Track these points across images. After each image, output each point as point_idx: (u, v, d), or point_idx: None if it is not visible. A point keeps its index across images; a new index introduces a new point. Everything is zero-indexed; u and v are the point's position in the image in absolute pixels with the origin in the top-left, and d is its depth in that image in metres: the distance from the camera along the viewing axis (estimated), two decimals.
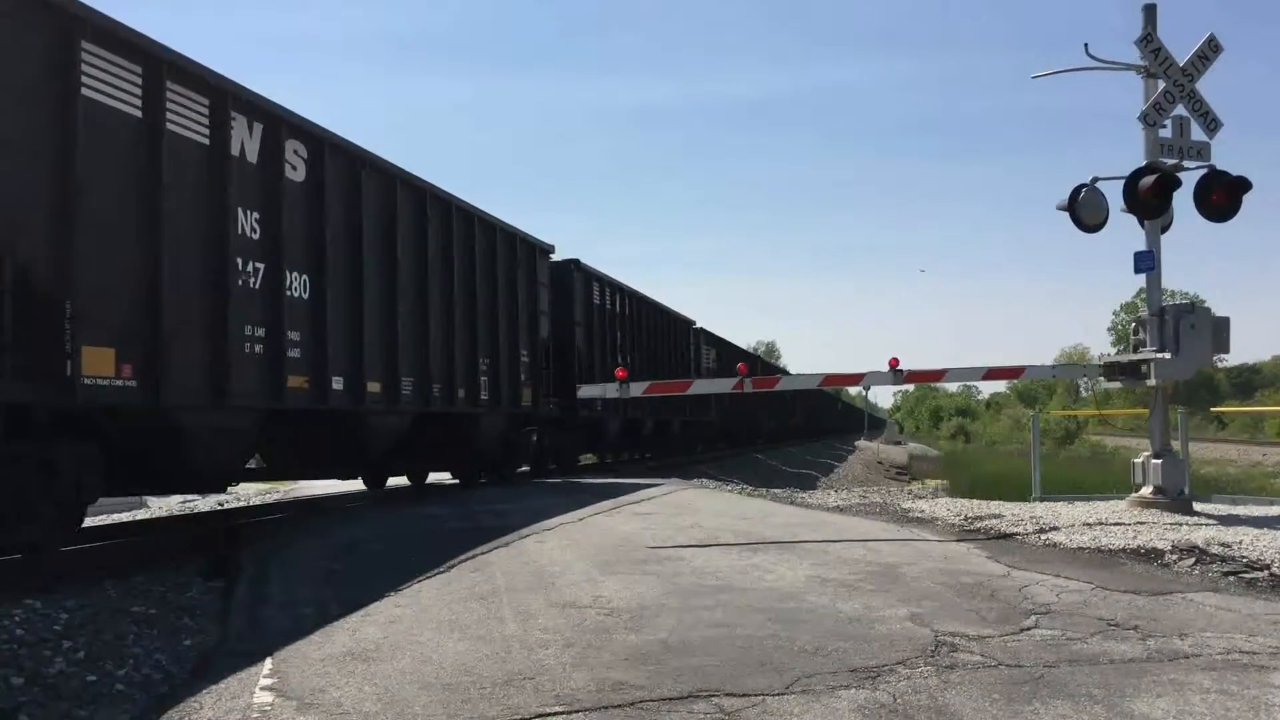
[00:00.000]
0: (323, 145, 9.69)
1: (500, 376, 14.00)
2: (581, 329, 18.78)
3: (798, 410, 49.54)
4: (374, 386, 10.53)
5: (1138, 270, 10.38)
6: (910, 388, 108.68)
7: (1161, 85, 10.29)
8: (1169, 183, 9.96)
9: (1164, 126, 10.32)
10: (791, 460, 37.91)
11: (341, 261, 10.06)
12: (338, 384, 9.85)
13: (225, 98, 8.20)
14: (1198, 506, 10.51)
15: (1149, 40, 10.27)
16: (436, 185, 12.27)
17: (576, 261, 18.71)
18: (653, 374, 22.16)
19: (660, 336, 24.88)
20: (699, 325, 29.40)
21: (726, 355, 32.38)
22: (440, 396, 12.13)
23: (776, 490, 15.63)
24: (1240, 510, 10.68)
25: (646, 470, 20.49)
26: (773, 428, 42.57)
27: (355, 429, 10.58)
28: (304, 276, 9.38)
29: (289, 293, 9.09)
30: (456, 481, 15.11)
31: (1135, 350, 10.54)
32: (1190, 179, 10.17)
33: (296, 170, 9.34)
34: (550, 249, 16.47)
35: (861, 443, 65.40)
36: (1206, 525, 9.04)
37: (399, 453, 11.88)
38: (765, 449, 38.86)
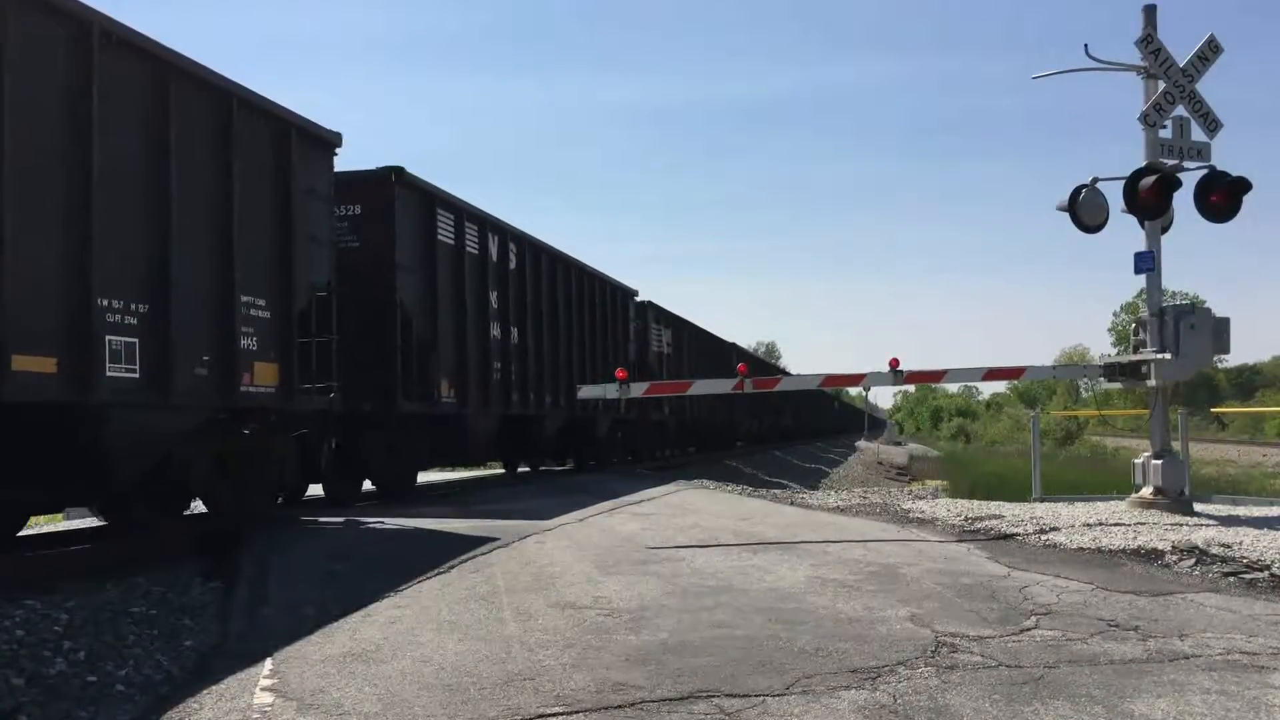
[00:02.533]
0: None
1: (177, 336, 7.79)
2: (413, 278, 12.27)
3: (786, 410, 44.70)
4: None
5: (1138, 271, 10.39)
6: (910, 388, 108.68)
7: (1162, 86, 10.29)
8: (1169, 183, 9.97)
9: (1164, 127, 10.32)
10: (775, 467, 31.01)
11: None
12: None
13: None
14: (1198, 507, 10.51)
15: (1149, 41, 10.27)
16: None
17: (399, 170, 12.01)
18: (565, 359, 17.00)
19: (578, 308, 17.95)
20: (643, 298, 22.73)
21: (690, 342, 26.31)
22: None
23: (776, 490, 15.64)
24: (1240, 511, 10.68)
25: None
26: (754, 429, 37.69)
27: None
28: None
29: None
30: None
31: (1135, 351, 10.54)
32: (1190, 179, 10.18)
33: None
34: (336, 139, 10.12)
35: (861, 443, 65.41)
36: (1207, 526, 9.04)
37: None
38: (742, 454, 31.74)
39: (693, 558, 7.55)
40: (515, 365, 14.96)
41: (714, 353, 30.11)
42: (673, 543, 8.33)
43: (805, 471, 33.52)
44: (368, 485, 12.65)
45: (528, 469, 19.14)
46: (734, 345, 34.67)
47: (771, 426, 42.16)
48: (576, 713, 3.97)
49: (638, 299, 21.09)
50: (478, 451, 15.52)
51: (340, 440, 11.54)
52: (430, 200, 12.74)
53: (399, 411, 11.79)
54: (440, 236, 12.87)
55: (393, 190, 11.89)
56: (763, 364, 43.80)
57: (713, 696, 4.13)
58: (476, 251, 13.94)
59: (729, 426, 32.60)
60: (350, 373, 10.53)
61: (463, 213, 13.56)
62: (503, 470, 19.33)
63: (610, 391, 11.14)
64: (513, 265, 14.91)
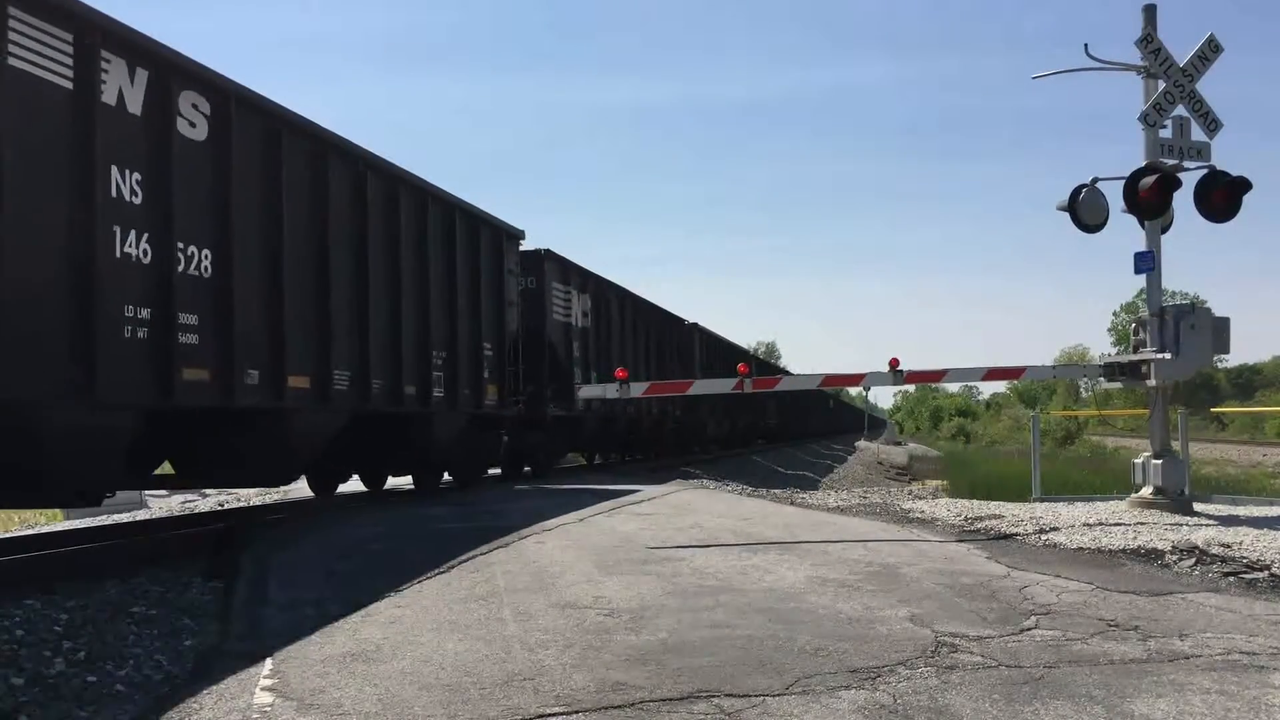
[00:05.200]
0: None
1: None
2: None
3: (769, 408, 39.17)
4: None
5: (1138, 271, 10.39)
6: (910, 388, 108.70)
7: (1162, 86, 10.29)
8: (1169, 183, 9.97)
9: (1164, 127, 10.32)
10: (753, 478, 22.94)
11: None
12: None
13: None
14: (1198, 507, 10.50)
15: (1149, 40, 10.27)
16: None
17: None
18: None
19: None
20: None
21: (625, 316, 21.82)
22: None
23: (776, 491, 15.64)
24: (1240, 511, 10.68)
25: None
26: (731, 431, 32.86)
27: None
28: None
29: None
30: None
31: (1135, 351, 10.53)
32: (1190, 179, 10.18)
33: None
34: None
35: (861, 443, 65.39)
36: (1207, 526, 9.04)
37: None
38: (706, 464, 24.20)
39: (693, 557, 7.55)
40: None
41: (662, 333, 24.60)
42: (673, 543, 8.33)
43: (790, 479, 26.61)
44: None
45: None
46: (695, 326, 27.99)
47: (751, 427, 36.96)
48: (576, 713, 3.97)
49: (525, 245, 15.47)
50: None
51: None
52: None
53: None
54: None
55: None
56: (730, 349, 34.23)
57: (713, 696, 4.13)
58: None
59: (689, 430, 26.85)
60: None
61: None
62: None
63: (610, 391, 11.14)
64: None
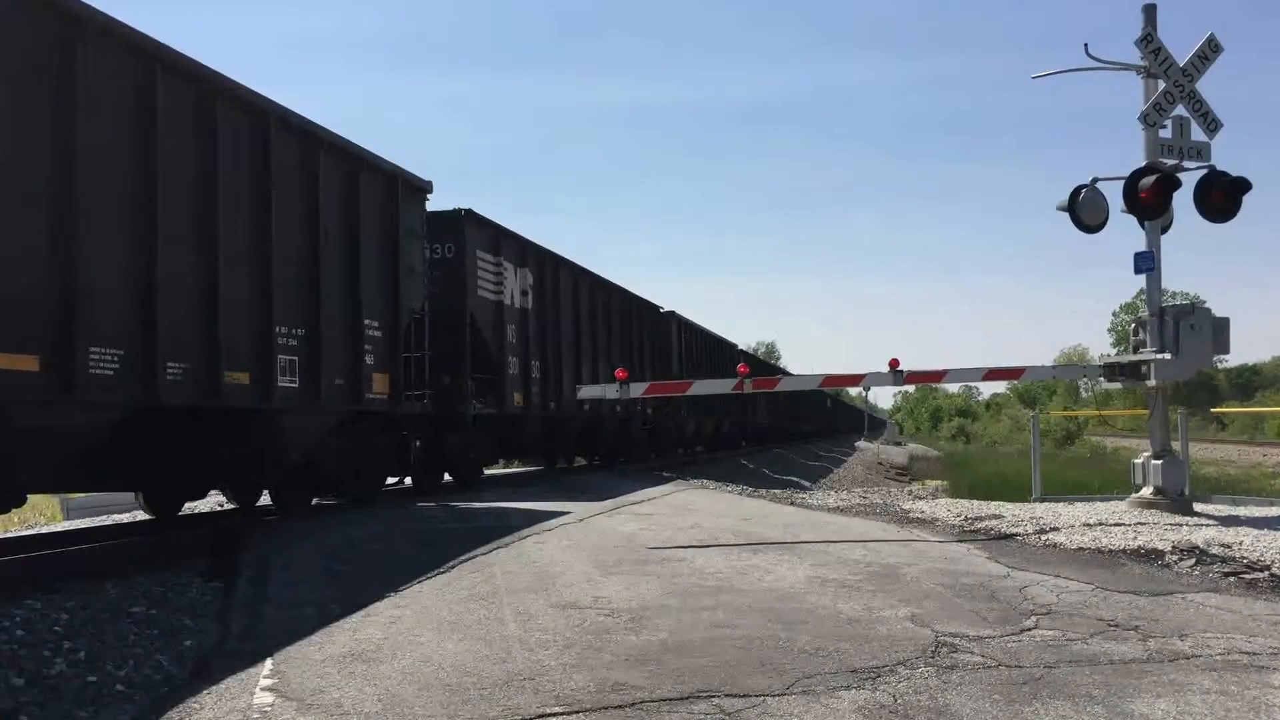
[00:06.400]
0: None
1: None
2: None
3: (760, 408, 36.28)
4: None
5: (1138, 271, 10.39)
6: (910, 388, 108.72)
7: (1161, 85, 10.29)
8: (1169, 183, 9.97)
9: (1164, 127, 10.33)
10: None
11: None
12: None
13: None
14: (1198, 507, 10.51)
15: (1149, 40, 10.27)
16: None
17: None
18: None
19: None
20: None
21: (576, 295, 18.35)
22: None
23: (776, 491, 15.65)
24: (1241, 511, 10.68)
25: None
26: (715, 432, 30.05)
27: None
28: None
29: None
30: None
31: (1135, 351, 10.54)
32: (1190, 179, 10.18)
33: None
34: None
35: (861, 444, 65.41)
36: (1207, 526, 9.04)
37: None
38: (687, 465, 22.95)
39: (693, 558, 7.55)
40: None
41: (632, 320, 21.46)
42: (673, 543, 8.34)
43: (778, 485, 22.13)
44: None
45: None
46: (672, 314, 24.72)
47: (738, 428, 34.11)
48: (576, 713, 3.97)
49: (432, 202, 12.43)
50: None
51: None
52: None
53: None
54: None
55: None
56: (716, 342, 30.73)
57: (713, 696, 4.13)
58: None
59: (663, 431, 23.88)
60: None
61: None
62: None
63: (610, 391, 11.14)
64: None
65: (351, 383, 10.16)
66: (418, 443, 12.32)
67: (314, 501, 11.04)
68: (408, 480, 13.01)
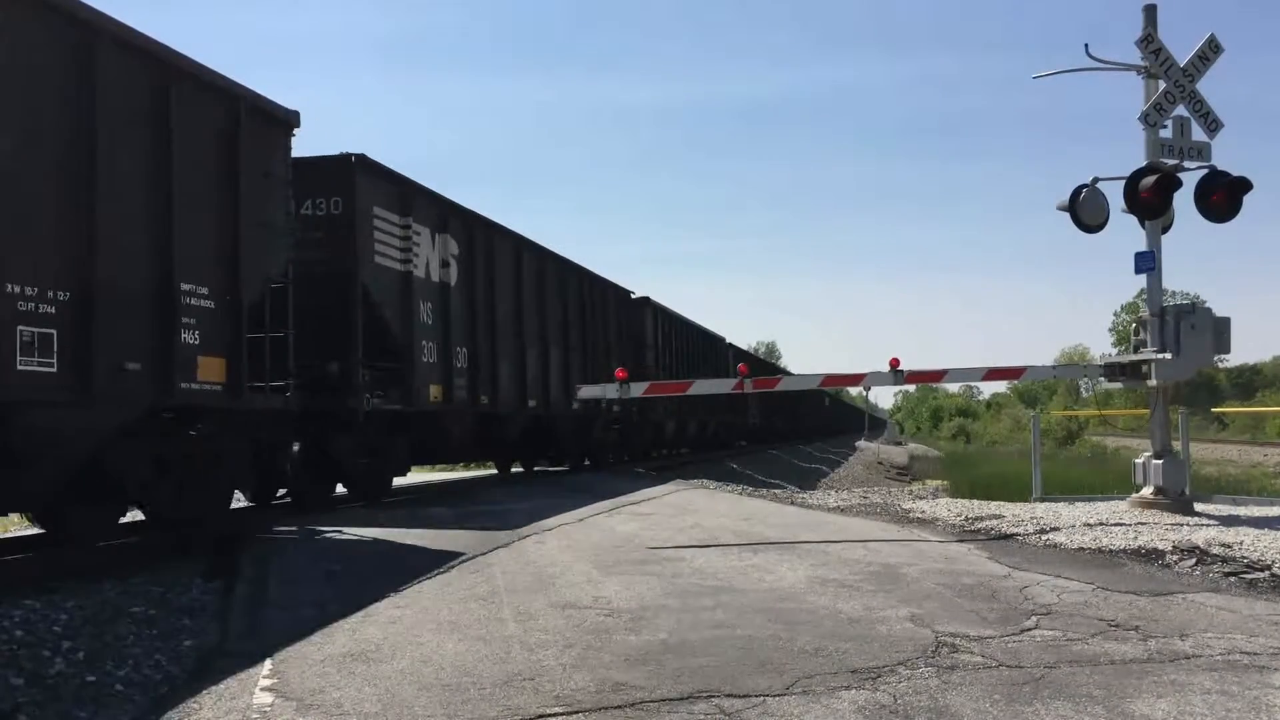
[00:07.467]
0: None
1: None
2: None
3: (752, 407, 33.53)
4: None
5: (1138, 271, 10.39)
6: (911, 388, 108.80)
7: (1162, 86, 10.29)
8: (1169, 183, 9.96)
9: (1164, 127, 10.32)
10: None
11: None
12: None
13: None
14: (1199, 507, 10.50)
15: (1149, 40, 10.27)
16: None
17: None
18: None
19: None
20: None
21: (517, 271, 15.26)
22: None
23: (776, 491, 15.65)
24: (1241, 511, 10.67)
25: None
26: (701, 433, 27.75)
27: None
28: None
29: None
30: None
31: (1136, 351, 10.54)
32: (1191, 179, 10.18)
33: None
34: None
35: (861, 443, 65.42)
36: (1207, 526, 9.04)
37: None
38: (664, 469, 20.01)
39: (693, 558, 7.55)
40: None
41: (596, 305, 19.01)
42: (673, 543, 8.33)
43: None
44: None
45: None
46: (646, 300, 22.21)
47: (727, 428, 31.61)
48: (576, 713, 3.97)
49: (298, 140, 9.67)
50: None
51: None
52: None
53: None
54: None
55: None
56: (699, 333, 27.93)
57: (713, 696, 4.13)
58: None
59: (637, 430, 21.39)
60: None
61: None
62: None
63: (610, 391, 11.12)
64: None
65: (158, 368, 7.46)
66: (296, 447, 10.01)
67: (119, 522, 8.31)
68: (336, 491, 11.23)
